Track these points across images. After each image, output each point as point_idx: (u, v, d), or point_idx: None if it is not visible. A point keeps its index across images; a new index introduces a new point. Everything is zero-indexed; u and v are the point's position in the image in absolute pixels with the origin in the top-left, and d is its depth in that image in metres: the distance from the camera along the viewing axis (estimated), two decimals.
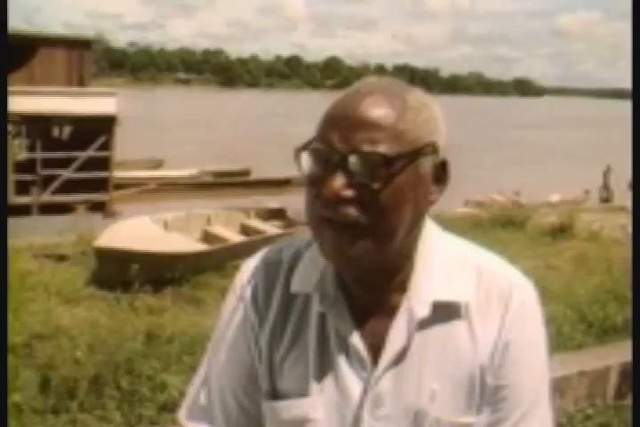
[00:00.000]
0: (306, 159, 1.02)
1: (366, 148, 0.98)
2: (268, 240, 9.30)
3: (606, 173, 23.35)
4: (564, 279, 7.69)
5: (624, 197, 18.26)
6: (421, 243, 1.11)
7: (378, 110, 1.00)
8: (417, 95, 1.06)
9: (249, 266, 1.20)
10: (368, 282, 1.10)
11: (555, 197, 19.56)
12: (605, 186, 23.23)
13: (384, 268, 1.08)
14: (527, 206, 14.54)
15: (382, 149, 0.98)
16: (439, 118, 1.07)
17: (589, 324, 5.77)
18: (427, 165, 1.04)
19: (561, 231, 10.92)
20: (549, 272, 8.09)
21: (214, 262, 8.56)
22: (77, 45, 18.78)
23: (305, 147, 1.02)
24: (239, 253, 8.83)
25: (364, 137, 0.98)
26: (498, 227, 11.06)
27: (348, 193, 0.98)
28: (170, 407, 4.18)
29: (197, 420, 1.22)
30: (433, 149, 1.04)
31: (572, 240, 10.55)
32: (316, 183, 1.01)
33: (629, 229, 11.23)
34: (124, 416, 4.13)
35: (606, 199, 22.02)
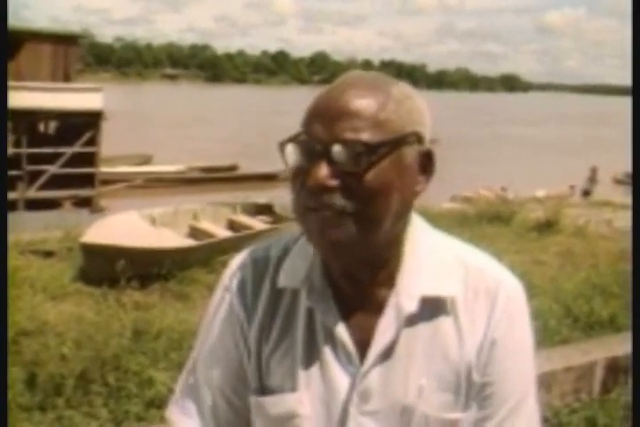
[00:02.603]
0: (290, 152, 1.03)
1: (348, 136, 0.98)
2: (256, 236, 9.29)
3: (594, 170, 23.51)
4: (550, 274, 7.73)
5: (609, 192, 18.39)
6: (409, 238, 1.11)
7: (359, 100, 1.00)
8: (401, 87, 1.06)
9: (237, 263, 1.19)
10: (355, 276, 1.10)
11: (541, 193, 19.63)
12: (591, 179, 23.38)
13: (371, 261, 1.08)
14: (513, 202, 14.57)
15: (364, 136, 0.99)
16: (423, 110, 1.07)
17: (575, 318, 5.81)
18: (411, 154, 1.04)
19: (547, 226, 10.96)
20: (535, 267, 8.12)
21: (201, 258, 8.53)
22: (63, 40, 18.68)
23: (289, 139, 1.03)
24: (226, 248, 8.81)
25: (346, 126, 0.99)
26: (484, 222, 11.09)
27: (333, 182, 0.99)
28: (157, 404, 4.18)
29: (185, 416, 1.22)
30: (417, 138, 1.04)
31: (557, 235, 10.59)
32: (301, 174, 1.02)
33: (617, 223, 11.31)
34: (111, 413, 4.12)
35: (586, 192, 22.13)
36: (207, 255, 8.62)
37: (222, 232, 10.00)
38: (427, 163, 1.07)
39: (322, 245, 1.03)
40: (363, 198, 1.00)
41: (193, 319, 5.65)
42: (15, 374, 4.33)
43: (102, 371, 4.43)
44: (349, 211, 0.99)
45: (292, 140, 1.03)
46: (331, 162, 0.99)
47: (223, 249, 8.79)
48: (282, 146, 1.03)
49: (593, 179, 23.48)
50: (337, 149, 0.98)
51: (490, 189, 19.43)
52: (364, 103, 1.00)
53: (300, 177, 1.02)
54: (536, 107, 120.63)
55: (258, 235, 9.39)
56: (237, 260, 1.20)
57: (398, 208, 1.04)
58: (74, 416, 4.02)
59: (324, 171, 0.99)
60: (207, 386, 1.20)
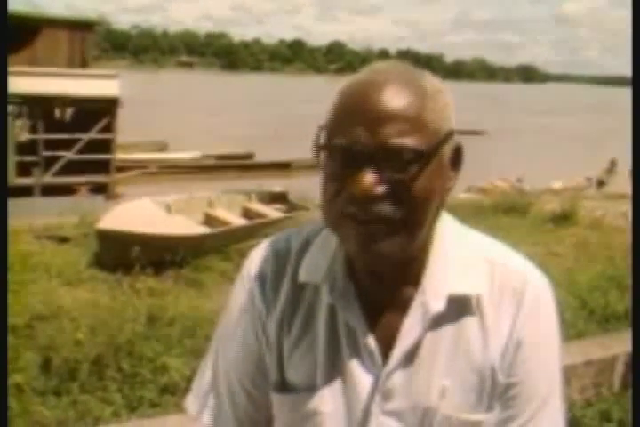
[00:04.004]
0: (327, 155, 0.99)
1: (395, 141, 0.94)
2: (270, 224, 9.30)
3: (613, 162, 23.34)
4: (566, 266, 7.68)
5: (625, 184, 18.23)
6: (436, 235, 1.08)
7: (401, 101, 0.96)
8: (431, 80, 1.02)
9: (257, 254, 1.17)
10: (380, 274, 1.07)
11: (557, 184, 19.52)
12: (609, 171, 23.21)
13: (400, 260, 1.04)
14: (529, 193, 14.50)
15: (411, 142, 0.95)
16: (451, 102, 1.04)
17: (591, 311, 5.77)
18: (447, 153, 1.01)
19: (563, 218, 10.88)
20: (551, 259, 8.07)
21: (216, 245, 8.55)
22: (80, 27, 18.67)
23: (326, 143, 0.99)
24: (240, 236, 8.84)
25: (392, 130, 0.94)
26: (500, 213, 11.03)
27: (380, 189, 0.95)
28: (171, 390, 4.20)
29: (204, 409, 1.20)
30: (451, 135, 1.01)
31: (573, 227, 10.52)
32: (338, 180, 0.97)
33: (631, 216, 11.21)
34: (125, 398, 4.14)
35: (601, 182, 21.95)
36: (221, 243, 8.64)
37: (237, 220, 10.01)
38: (456, 157, 1.05)
39: (366, 258, 1.00)
40: (409, 206, 0.96)
41: (207, 306, 5.67)
42: (30, 358, 4.35)
43: (116, 357, 4.44)
44: (395, 219, 0.96)
45: (330, 144, 0.98)
46: (375, 168, 0.95)
47: (237, 237, 8.81)
48: (317, 150, 0.99)
49: (610, 170, 23.31)
50: (384, 155, 0.94)
51: (505, 180, 19.34)
52: (406, 104, 0.96)
53: (336, 183, 0.98)
54: (553, 97, 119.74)
55: (272, 223, 9.39)
56: (257, 251, 1.18)
57: (437, 209, 1.02)
58: (88, 401, 4.04)
59: (370, 178, 0.94)
60: (226, 377, 1.18)
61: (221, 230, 9.19)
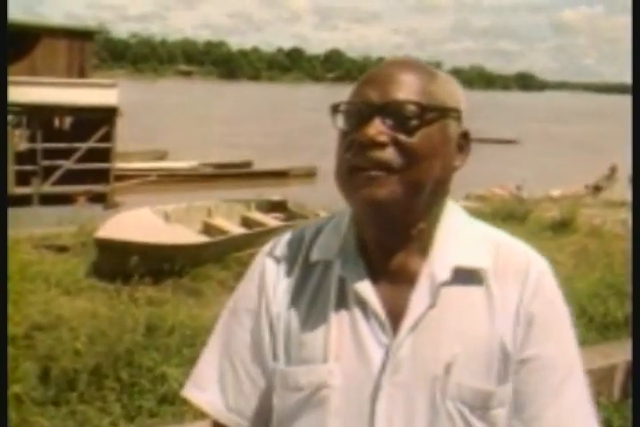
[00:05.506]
0: (342, 113, 1.09)
1: (400, 96, 1.06)
2: (269, 232, 9.29)
3: (613, 168, 23.28)
4: (565, 274, 7.66)
5: (624, 191, 18.23)
6: (444, 214, 1.15)
7: (411, 73, 1.08)
8: (443, 73, 1.14)
9: (272, 243, 1.23)
10: (389, 247, 1.12)
11: (556, 192, 19.48)
12: (608, 177, 23.15)
13: (406, 230, 1.11)
14: (528, 200, 14.49)
15: (415, 98, 1.06)
16: (463, 98, 1.15)
17: (590, 319, 5.77)
18: (453, 129, 1.10)
19: (562, 226, 10.89)
20: (550, 266, 8.06)
21: (215, 254, 8.54)
22: (79, 36, 18.69)
23: (342, 103, 1.10)
24: (239, 245, 8.83)
25: (399, 90, 1.06)
26: (499, 221, 11.01)
27: (383, 137, 1.04)
28: (170, 400, 4.19)
29: (207, 391, 1.21)
30: (458, 115, 1.11)
31: (573, 235, 10.52)
32: (349, 135, 1.07)
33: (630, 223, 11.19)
34: (124, 408, 4.13)
35: (597, 188, 21.87)
36: (220, 252, 8.63)
37: (236, 229, 10.01)
38: (464, 143, 1.13)
39: (365, 202, 1.06)
40: (410, 156, 1.04)
41: (206, 315, 5.66)
42: (29, 368, 4.34)
43: (115, 366, 4.43)
44: (396, 167, 1.04)
45: (344, 102, 1.09)
46: (382, 121, 1.05)
47: (236, 246, 8.81)
48: (333, 108, 1.09)
49: (610, 177, 23.24)
50: (389, 108, 1.05)
51: (504, 188, 19.31)
52: (415, 75, 1.08)
53: (347, 139, 1.08)
54: (552, 105, 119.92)
55: (271, 232, 9.38)
56: (273, 241, 1.24)
57: (439, 176, 1.08)
58: (87, 411, 4.03)
59: (374, 127, 1.04)
60: (229, 358, 1.20)
61: (220, 239, 9.19)
